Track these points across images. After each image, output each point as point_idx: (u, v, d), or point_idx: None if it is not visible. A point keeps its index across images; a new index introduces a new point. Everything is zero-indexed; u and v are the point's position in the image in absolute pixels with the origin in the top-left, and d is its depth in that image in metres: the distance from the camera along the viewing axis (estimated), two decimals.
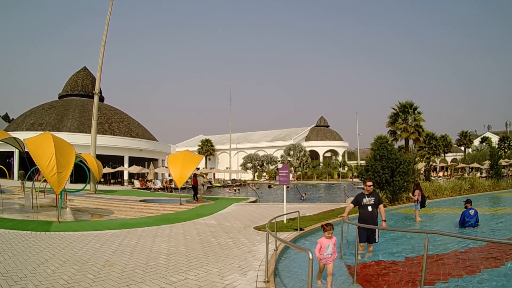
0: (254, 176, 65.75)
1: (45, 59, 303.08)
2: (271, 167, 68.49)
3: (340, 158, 77.56)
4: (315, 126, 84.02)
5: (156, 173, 42.38)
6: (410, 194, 13.06)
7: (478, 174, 44.79)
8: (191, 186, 21.58)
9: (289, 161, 64.63)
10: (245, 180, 56.76)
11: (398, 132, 37.27)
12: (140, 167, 42.61)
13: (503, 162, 39.68)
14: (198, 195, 20.34)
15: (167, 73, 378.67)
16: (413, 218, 12.34)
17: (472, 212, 10.58)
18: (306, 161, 65.06)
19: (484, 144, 69.25)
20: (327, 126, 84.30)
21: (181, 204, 17.84)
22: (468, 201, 10.93)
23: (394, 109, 38.02)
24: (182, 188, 19.01)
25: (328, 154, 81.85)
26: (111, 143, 43.13)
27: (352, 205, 7.67)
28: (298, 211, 10.29)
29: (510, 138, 73.99)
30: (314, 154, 75.89)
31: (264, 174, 67.41)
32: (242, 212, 14.42)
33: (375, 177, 16.22)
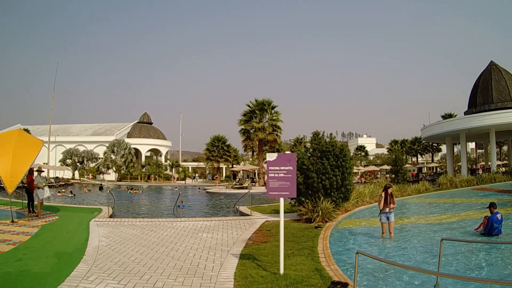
0: (73, 174, 55.37)
1: None
2: (91, 164, 59.27)
3: (163, 158, 74.02)
4: (138, 123, 77.33)
5: None
6: (392, 203, 9.31)
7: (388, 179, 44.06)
8: (25, 190, 14.10)
9: (113, 159, 57.07)
10: (68, 179, 46.64)
11: (252, 131, 34.05)
12: None
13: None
14: (35, 202, 13.30)
15: None
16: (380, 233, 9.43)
17: (499, 216, 9.19)
18: (131, 160, 58.80)
19: None
20: (151, 123, 79.00)
21: (13, 221, 11.31)
22: (493, 205, 9.38)
23: (249, 106, 34.06)
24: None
25: (148, 154, 76.97)
26: None
27: None
28: None
29: (365, 147, 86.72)
30: (135, 153, 69.77)
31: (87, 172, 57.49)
32: (130, 244, 8.55)
33: (323, 181, 11.95)
